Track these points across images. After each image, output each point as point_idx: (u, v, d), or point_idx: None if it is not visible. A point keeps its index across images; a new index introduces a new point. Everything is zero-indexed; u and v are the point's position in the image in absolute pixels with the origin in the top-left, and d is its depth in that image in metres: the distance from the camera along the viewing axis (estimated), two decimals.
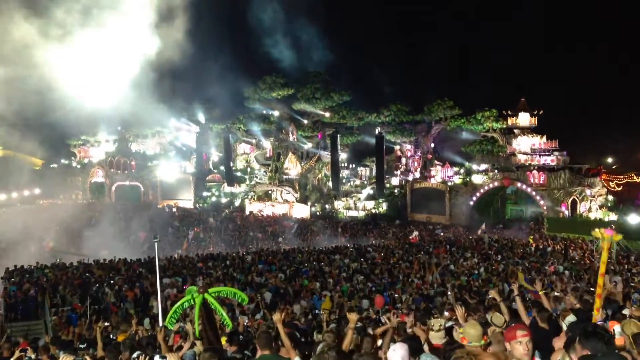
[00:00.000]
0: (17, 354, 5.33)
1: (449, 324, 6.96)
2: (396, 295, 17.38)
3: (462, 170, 47.36)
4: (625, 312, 7.32)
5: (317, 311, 14.95)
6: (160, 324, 6.60)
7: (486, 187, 44.12)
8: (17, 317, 17.92)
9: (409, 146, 52.02)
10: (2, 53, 32.03)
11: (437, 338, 6.25)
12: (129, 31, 36.38)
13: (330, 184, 52.28)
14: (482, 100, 45.71)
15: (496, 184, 43.74)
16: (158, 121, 57.44)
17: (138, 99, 39.15)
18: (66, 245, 31.31)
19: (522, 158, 43.15)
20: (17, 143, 51.99)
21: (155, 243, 11.05)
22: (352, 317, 5.94)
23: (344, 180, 53.25)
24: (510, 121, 44.39)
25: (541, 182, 41.20)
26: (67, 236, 34.13)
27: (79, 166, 61.79)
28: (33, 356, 5.73)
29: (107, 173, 59.51)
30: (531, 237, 35.41)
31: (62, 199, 55.82)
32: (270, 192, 52.69)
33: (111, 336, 10.57)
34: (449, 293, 15.32)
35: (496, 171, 44.25)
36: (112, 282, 20.26)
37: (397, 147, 53.27)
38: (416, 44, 48.44)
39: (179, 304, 7.42)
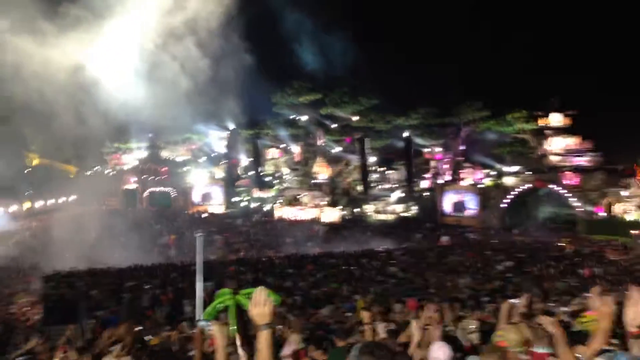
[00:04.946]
0: (60, 355, 5.42)
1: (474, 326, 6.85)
2: (428, 298, 17.22)
3: (493, 173, 46.79)
4: None
5: (348, 314, 14.89)
6: (198, 323, 6.63)
7: (518, 190, 43.48)
8: (55, 321, 18.25)
9: (438, 149, 51.63)
10: (36, 64, 32.77)
11: (469, 340, 6.17)
12: (159, 40, 36.93)
13: (359, 187, 52.17)
14: (512, 100, 45.12)
15: (528, 185, 43.07)
16: (188, 128, 58.18)
17: (168, 106, 39.64)
18: (101, 250, 31.86)
19: (554, 159, 42.40)
20: (52, 152, 53.34)
21: (198, 238, 11.21)
22: (365, 314, 5.77)
23: (373, 184, 53.08)
24: (541, 122, 43.70)
25: (575, 183, 40.41)
26: (101, 242, 34.74)
27: (111, 173, 62.90)
28: (75, 358, 5.82)
29: (139, 179, 60.42)
30: (565, 239, 34.75)
31: (96, 205, 56.86)
32: (299, 196, 52.79)
33: (145, 339, 10.69)
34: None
35: (528, 173, 43.56)
36: (146, 286, 20.53)
37: (426, 150, 52.91)
38: (443, 45, 47.99)
39: (211, 306, 7.44)
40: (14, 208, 51.40)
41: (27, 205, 54.99)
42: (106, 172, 63.44)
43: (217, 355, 4.76)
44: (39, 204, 56.21)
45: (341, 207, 50.70)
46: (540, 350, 4.57)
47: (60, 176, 59.06)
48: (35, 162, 63.11)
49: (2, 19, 29.26)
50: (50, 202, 57.13)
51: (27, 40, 31.32)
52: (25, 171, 57.07)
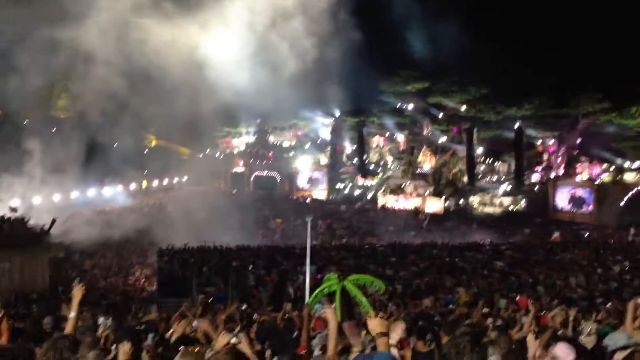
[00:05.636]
0: (182, 323, 5.74)
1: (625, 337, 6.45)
2: (536, 296, 16.54)
3: (612, 168, 43.94)
4: None
5: (451, 306, 14.63)
6: (313, 306, 6.78)
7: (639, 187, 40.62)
8: (169, 293, 19.37)
9: (552, 141, 49.18)
10: (159, 52, 34.63)
11: (588, 342, 5.88)
12: (269, 25, 37.85)
13: (465, 178, 50.91)
14: (637, 93, 41.86)
15: None
16: (295, 114, 59.30)
17: (277, 92, 40.61)
18: (210, 229, 33.34)
19: None
20: (169, 134, 56.35)
21: (308, 222, 11.49)
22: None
23: (479, 176, 51.58)
24: None
25: None
26: (211, 221, 36.33)
27: (221, 156, 65.53)
28: (195, 323, 6.14)
29: (246, 163, 62.50)
30: None
31: (207, 186, 59.50)
32: (403, 185, 52.34)
33: (254, 317, 11.09)
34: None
35: None
36: (251, 267, 21.26)
37: (538, 142, 50.56)
38: (560, 32, 45.31)
39: (318, 290, 7.55)
40: (132, 186, 55.00)
41: (144, 183, 58.67)
42: (217, 155, 66.09)
43: (330, 337, 4.84)
44: (154, 183, 59.81)
45: (445, 197, 49.74)
46: None
47: (175, 157, 62.40)
48: (153, 143, 67.07)
49: None
50: (165, 181, 60.58)
51: (150, 19, 33.12)
52: (144, 152, 60.72)
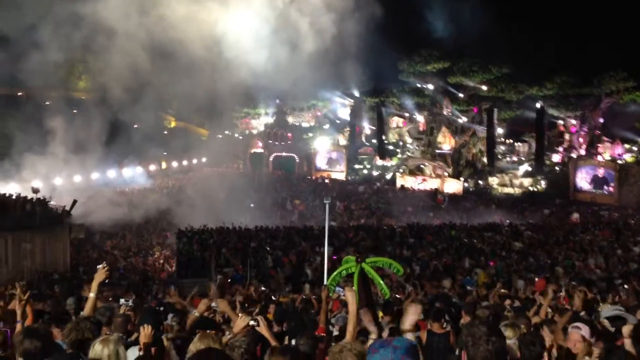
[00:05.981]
0: (202, 303, 5.83)
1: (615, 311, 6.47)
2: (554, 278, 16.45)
3: (634, 148, 43.24)
4: None
5: (469, 287, 14.62)
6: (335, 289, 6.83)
7: None
8: (188, 274, 19.62)
9: (573, 121, 48.45)
10: (178, 28, 34.65)
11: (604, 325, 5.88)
12: (288, 6, 37.67)
13: (484, 159, 50.49)
14: None
15: None
16: (313, 94, 59.11)
17: (295, 73, 40.49)
18: (229, 210, 33.54)
19: None
20: (188, 115, 56.54)
21: (327, 204, 11.56)
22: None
23: (499, 156, 51.09)
24: None
25: None
26: (229, 202, 36.56)
27: (240, 137, 65.69)
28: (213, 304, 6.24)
29: (265, 144, 62.60)
30: None
31: (226, 167, 59.76)
32: (422, 166, 52.08)
33: (273, 297, 11.20)
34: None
35: None
36: (269, 248, 21.39)
37: (560, 122, 49.85)
38: (584, 9, 44.38)
39: (337, 271, 7.60)
40: (152, 167, 55.45)
41: (163, 164, 59.12)
42: (236, 136, 66.27)
43: (349, 321, 4.88)
44: (174, 164, 60.24)
45: (464, 178, 49.43)
46: None
47: (194, 138, 62.69)
48: (173, 124, 67.45)
49: None
50: (184, 162, 60.98)
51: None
52: (164, 133, 61.11)
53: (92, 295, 5.59)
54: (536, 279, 15.54)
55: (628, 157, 42.90)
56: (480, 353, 2.89)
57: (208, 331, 4.43)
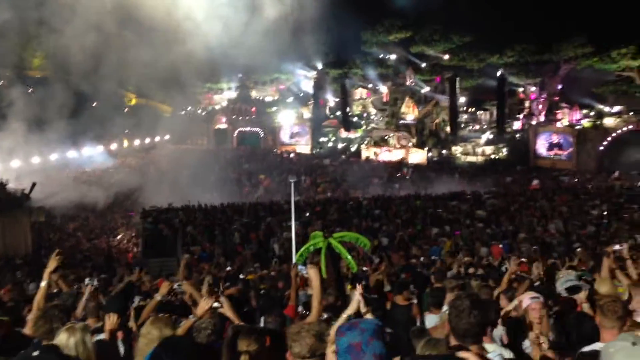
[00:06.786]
0: (166, 284, 5.75)
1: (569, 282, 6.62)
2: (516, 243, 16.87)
3: (592, 113, 44.19)
4: None
5: (434, 257, 14.88)
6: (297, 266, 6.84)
7: (619, 131, 40.95)
8: (153, 254, 19.46)
9: (533, 88, 49.20)
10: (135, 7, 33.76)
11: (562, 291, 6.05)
12: None
13: (447, 128, 51.02)
14: (618, 35, 41.61)
15: (631, 127, 40.42)
16: (276, 68, 58.54)
17: (257, 46, 39.96)
18: (194, 188, 33.23)
19: None
20: (149, 91, 55.33)
21: (292, 183, 11.65)
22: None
23: (462, 125, 51.69)
24: None
25: None
26: (194, 179, 36.22)
27: (203, 113, 64.82)
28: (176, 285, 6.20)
29: (229, 119, 61.96)
30: None
31: (190, 144, 59.00)
32: (386, 137, 52.33)
33: (240, 276, 11.21)
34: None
35: (631, 113, 40.82)
36: (235, 225, 21.32)
37: (520, 90, 50.56)
38: None
39: (304, 247, 7.65)
40: (113, 146, 54.33)
41: (125, 143, 58.00)
42: (199, 112, 65.36)
43: (314, 297, 4.90)
44: (136, 142, 59.14)
45: (429, 148, 49.91)
46: None
47: (156, 116, 61.52)
48: (133, 101, 66.02)
49: None
50: (147, 140, 59.91)
51: None
52: (124, 110, 59.79)
53: (42, 284, 5.44)
54: (492, 247, 15.93)
55: (586, 122, 43.76)
56: (463, 325, 3.04)
57: (160, 315, 4.40)
